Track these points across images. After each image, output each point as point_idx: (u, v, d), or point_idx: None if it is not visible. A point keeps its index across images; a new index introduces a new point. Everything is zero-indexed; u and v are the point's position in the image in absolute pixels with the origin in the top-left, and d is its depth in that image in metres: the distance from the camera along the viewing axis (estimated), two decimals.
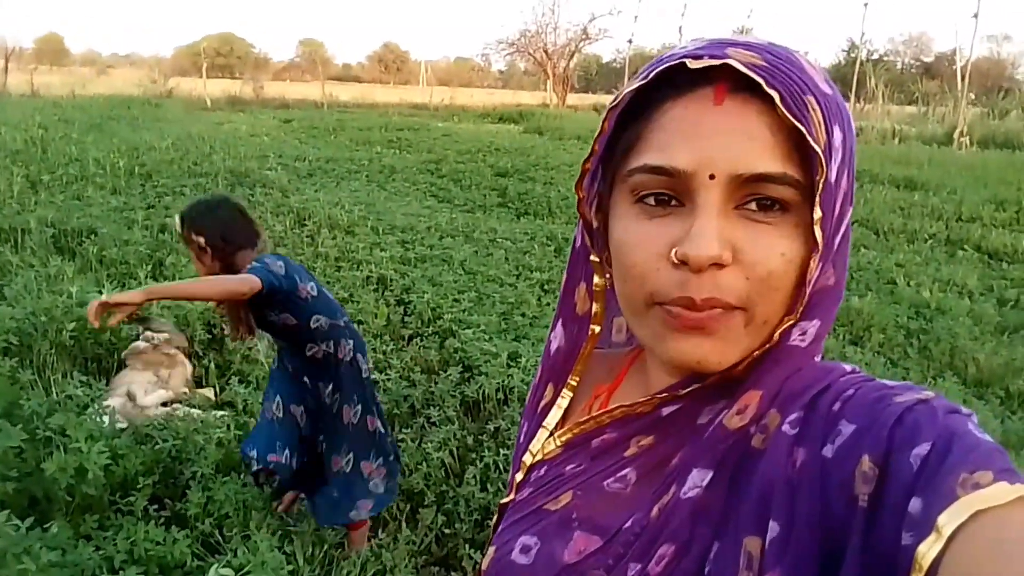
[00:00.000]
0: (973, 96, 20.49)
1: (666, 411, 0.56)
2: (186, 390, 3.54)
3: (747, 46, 0.49)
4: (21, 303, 3.92)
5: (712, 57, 0.48)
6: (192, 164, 8.95)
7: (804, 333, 0.53)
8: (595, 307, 0.65)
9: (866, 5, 20.52)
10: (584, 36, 32.36)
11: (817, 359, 0.54)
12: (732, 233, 0.49)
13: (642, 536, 0.52)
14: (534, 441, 0.66)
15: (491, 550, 0.62)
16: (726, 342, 0.51)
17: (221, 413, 3.24)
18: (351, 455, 2.44)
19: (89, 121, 12.43)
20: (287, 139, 13.05)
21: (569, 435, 0.62)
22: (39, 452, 2.56)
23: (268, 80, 31.53)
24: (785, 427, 0.49)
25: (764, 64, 0.48)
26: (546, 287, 5.17)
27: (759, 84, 0.47)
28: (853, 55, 29.11)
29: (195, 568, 2.28)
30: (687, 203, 0.50)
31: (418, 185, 9.30)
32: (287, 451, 2.42)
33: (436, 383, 3.63)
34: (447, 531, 2.64)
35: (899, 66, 43.88)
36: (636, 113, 0.53)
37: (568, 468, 0.61)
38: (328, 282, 4.99)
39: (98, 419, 2.84)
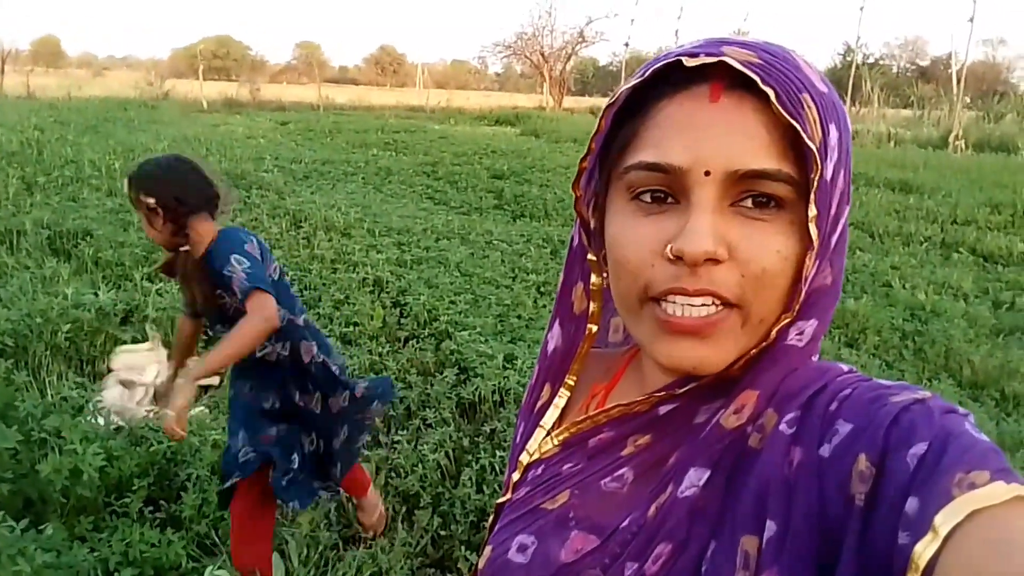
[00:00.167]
0: (968, 100, 20.61)
1: (663, 410, 0.56)
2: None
3: (743, 44, 0.49)
4: (16, 305, 3.91)
5: (708, 55, 0.48)
6: None
7: (801, 333, 0.52)
8: (592, 306, 0.64)
9: (862, 9, 20.63)
10: (580, 39, 32.41)
11: (814, 359, 0.54)
12: (727, 230, 0.49)
13: (639, 535, 0.52)
14: (531, 440, 0.66)
15: (488, 549, 0.62)
16: (722, 344, 0.51)
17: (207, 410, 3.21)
18: (345, 428, 2.33)
19: (85, 123, 12.40)
20: (283, 141, 13.01)
21: (566, 434, 0.62)
22: (34, 454, 2.55)
23: (264, 82, 31.49)
24: (782, 427, 0.49)
25: (760, 62, 0.48)
26: (542, 289, 5.17)
27: (755, 82, 0.47)
28: (849, 59, 29.25)
29: (190, 570, 2.27)
30: (682, 200, 0.50)
31: (414, 187, 9.29)
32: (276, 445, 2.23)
33: (432, 385, 3.62)
34: (443, 533, 2.63)
35: (895, 70, 44.07)
36: (633, 111, 0.53)
37: (565, 467, 0.61)
38: (324, 284, 4.98)
39: (93, 421, 2.83)
